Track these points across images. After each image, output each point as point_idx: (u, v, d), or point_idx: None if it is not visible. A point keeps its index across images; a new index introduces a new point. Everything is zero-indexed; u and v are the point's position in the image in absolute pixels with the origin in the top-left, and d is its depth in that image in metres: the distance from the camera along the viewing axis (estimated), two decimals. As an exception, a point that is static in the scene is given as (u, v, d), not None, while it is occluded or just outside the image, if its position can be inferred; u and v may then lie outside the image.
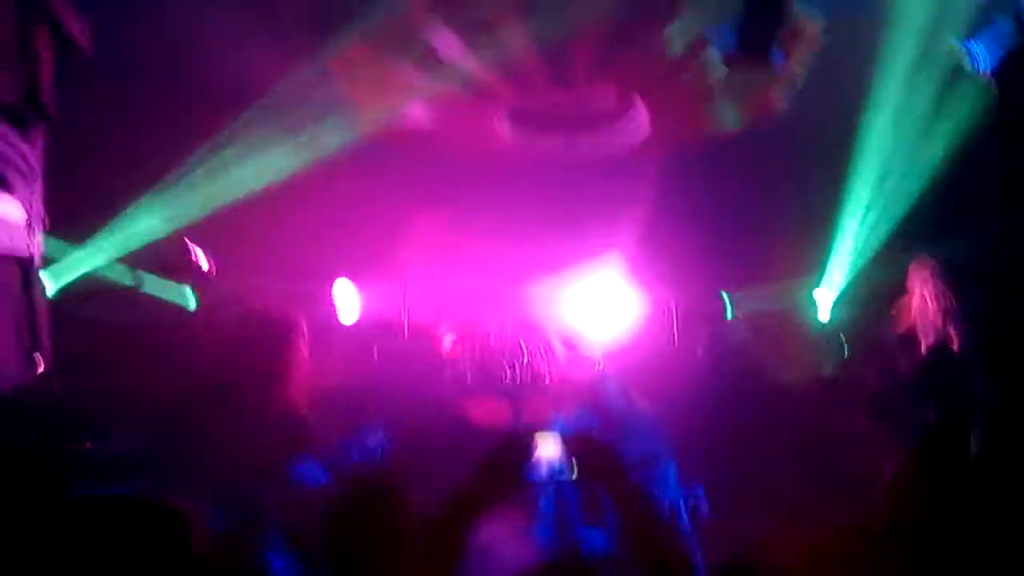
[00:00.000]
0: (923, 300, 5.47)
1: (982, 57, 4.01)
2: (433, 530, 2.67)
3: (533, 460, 2.70)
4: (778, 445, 6.84)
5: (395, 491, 2.96)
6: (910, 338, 5.42)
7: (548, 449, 2.72)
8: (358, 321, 7.94)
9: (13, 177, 3.06)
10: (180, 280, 4.67)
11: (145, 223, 6.78)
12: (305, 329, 4.66)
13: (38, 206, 3.28)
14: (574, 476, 2.67)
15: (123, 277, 6.69)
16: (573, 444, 2.70)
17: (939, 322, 5.29)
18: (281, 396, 4.49)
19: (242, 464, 4.43)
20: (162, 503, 2.70)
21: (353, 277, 7.99)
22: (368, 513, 2.90)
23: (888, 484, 3.43)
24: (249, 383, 4.46)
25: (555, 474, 2.70)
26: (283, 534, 4.60)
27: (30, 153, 3.23)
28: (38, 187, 3.30)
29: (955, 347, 5.05)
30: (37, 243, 3.28)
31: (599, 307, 7.65)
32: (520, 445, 2.71)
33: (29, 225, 3.22)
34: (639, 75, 6.37)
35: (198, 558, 2.61)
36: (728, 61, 3.82)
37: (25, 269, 3.15)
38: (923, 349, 5.19)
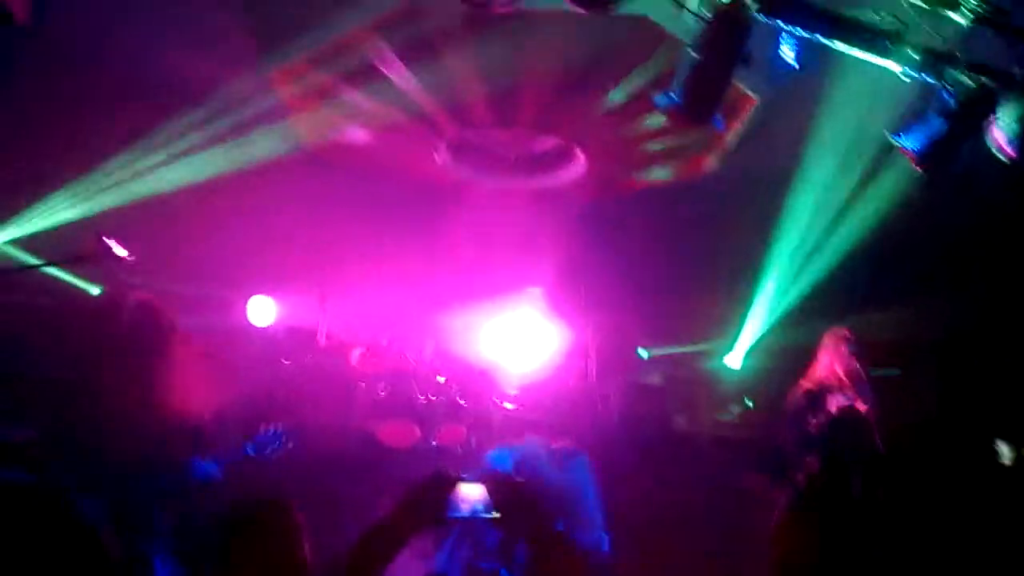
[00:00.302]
0: (834, 363, 5.71)
1: (911, 146, 4.21)
2: (352, 562, 2.62)
3: (455, 497, 2.71)
4: (681, 494, 6.98)
5: (290, 518, 2.90)
6: (817, 397, 5.63)
7: (471, 489, 2.73)
8: (272, 331, 7.79)
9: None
10: (91, 267, 4.51)
11: (58, 210, 6.57)
12: (174, 330, 4.58)
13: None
14: (494, 515, 2.67)
15: (27, 261, 6.45)
16: (495, 486, 2.71)
17: (847, 385, 5.54)
18: (157, 392, 4.39)
19: (128, 457, 4.30)
20: (45, 490, 2.59)
21: (272, 288, 7.86)
22: (263, 542, 2.83)
23: (774, 532, 3.52)
24: (121, 378, 4.36)
25: (475, 512, 2.71)
26: (170, 535, 4.47)
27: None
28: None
29: (861, 408, 5.28)
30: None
31: (517, 340, 7.68)
32: (445, 481, 2.71)
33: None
34: (579, 124, 6.47)
35: (81, 549, 2.49)
36: (670, 118, 3.92)
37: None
38: (831, 408, 5.41)
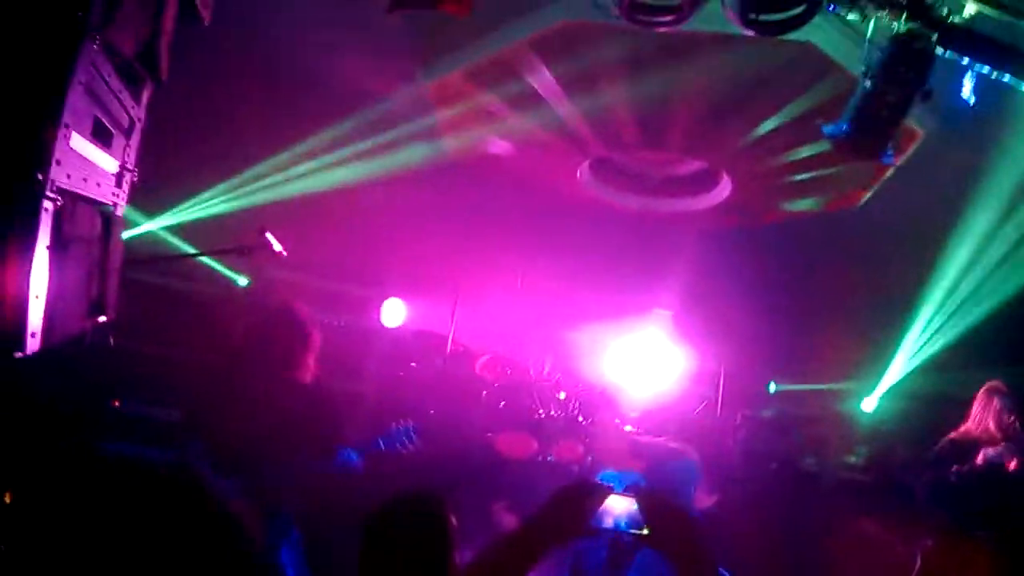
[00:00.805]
0: (986, 416, 5.40)
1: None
2: (489, 569, 2.58)
3: (602, 509, 2.63)
4: (801, 534, 6.72)
5: (440, 515, 2.87)
6: (964, 447, 5.34)
7: (618, 501, 2.64)
8: (403, 333, 7.96)
9: (114, 129, 3.08)
10: (249, 258, 4.73)
11: (218, 202, 6.90)
12: (315, 331, 4.70)
13: (132, 161, 3.30)
14: (643, 532, 2.57)
15: (182, 249, 6.79)
16: (647, 501, 2.61)
17: (999, 439, 5.22)
18: (296, 385, 4.51)
19: (265, 445, 4.43)
20: (181, 471, 2.68)
21: (406, 291, 8.03)
22: (408, 537, 2.81)
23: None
24: (263, 370, 4.50)
25: (620, 527, 2.62)
26: (296, 523, 4.59)
27: (135, 110, 3.26)
28: (135, 143, 3.33)
29: (1009, 466, 4.97)
30: (123, 197, 3.29)
31: (642, 363, 7.58)
32: (594, 490, 2.64)
33: (119, 178, 3.23)
34: (728, 149, 6.33)
35: (213, 531, 2.57)
36: (838, 149, 3.77)
37: (107, 220, 3.16)
38: (978, 460, 5.11)
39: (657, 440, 6.20)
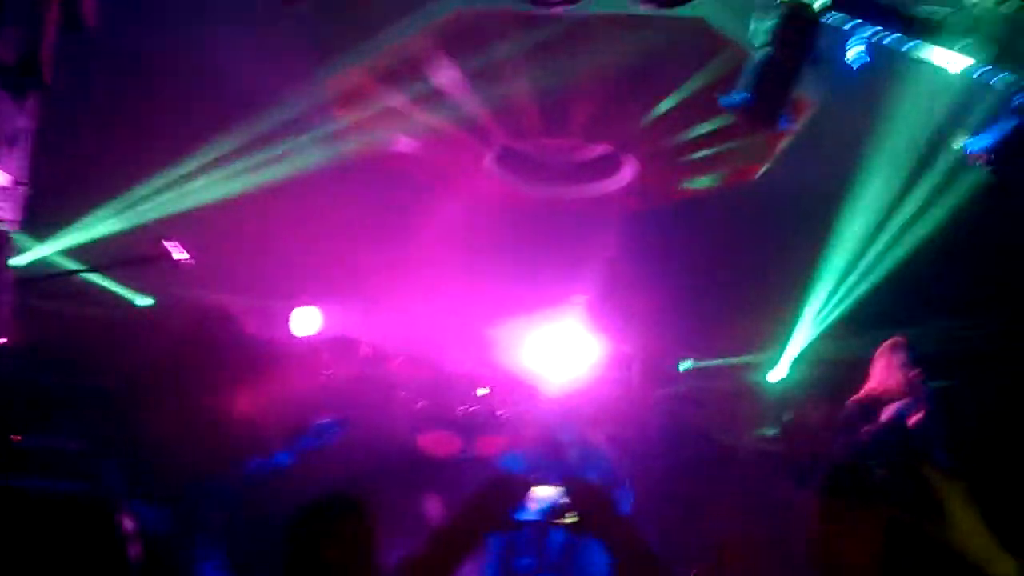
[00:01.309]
0: (889, 373, 5.58)
1: (980, 147, 4.14)
2: (418, 566, 2.54)
3: (526, 500, 2.62)
4: (720, 506, 6.86)
5: (366, 517, 2.82)
6: (871, 406, 5.51)
7: (543, 491, 2.64)
8: (316, 341, 7.79)
9: (0, 142, 2.93)
10: (146, 277, 4.53)
11: (113, 219, 6.60)
12: (241, 333, 4.60)
13: (22, 172, 3.13)
14: (568, 520, 2.57)
15: (77, 269, 6.47)
16: (572, 488, 2.61)
17: (902, 395, 5.40)
18: (219, 396, 4.40)
19: (183, 462, 4.31)
20: (94, 502, 2.58)
21: (316, 297, 7.87)
22: (339, 540, 2.75)
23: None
24: (184, 381, 4.37)
25: (546, 515, 2.61)
26: (221, 539, 4.45)
27: (20, 118, 3.09)
28: (24, 155, 3.16)
29: (913, 419, 5.16)
30: (14, 212, 3.12)
31: (559, 351, 7.62)
32: (516, 483, 2.62)
33: (9, 192, 3.06)
34: (629, 131, 6.42)
35: (126, 561, 2.47)
36: (737, 118, 3.88)
37: (-4, 237, 3.00)
38: (883, 417, 5.29)
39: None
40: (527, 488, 2.67)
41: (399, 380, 7.54)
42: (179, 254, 4.22)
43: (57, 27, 3.21)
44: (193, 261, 4.31)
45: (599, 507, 2.59)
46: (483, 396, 7.53)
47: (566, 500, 2.64)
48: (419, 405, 7.42)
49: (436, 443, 7.18)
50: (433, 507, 6.54)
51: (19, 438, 5.71)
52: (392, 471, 6.98)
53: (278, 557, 2.84)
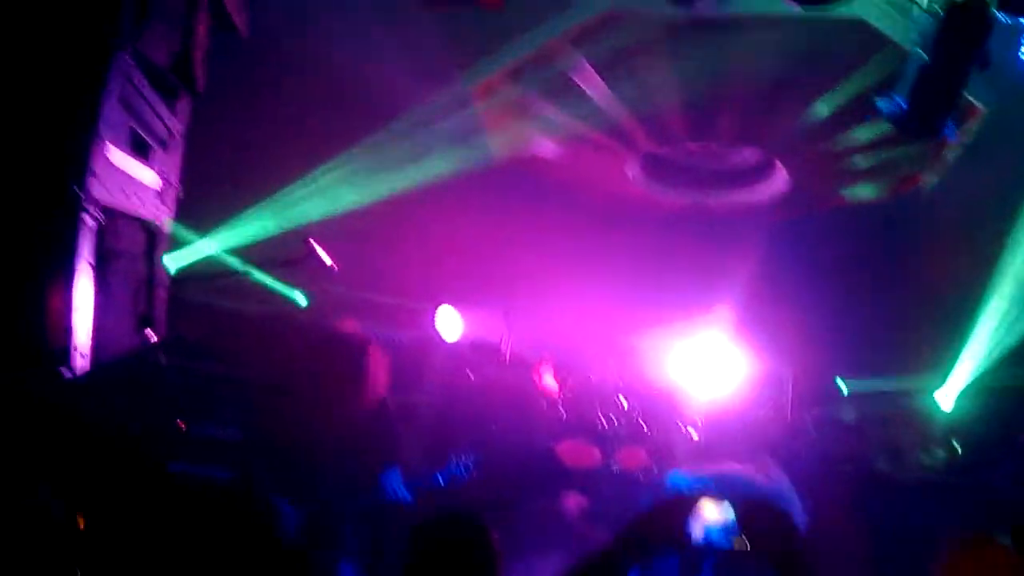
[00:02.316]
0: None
1: None
2: None
3: (694, 522, 2.49)
4: (880, 543, 6.44)
5: (488, 541, 2.78)
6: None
7: (711, 512, 2.49)
8: (458, 344, 7.89)
9: (152, 142, 3.08)
10: (298, 274, 4.71)
11: (266, 219, 6.92)
12: (378, 350, 4.68)
13: (174, 175, 3.30)
14: (740, 544, 2.42)
15: (237, 267, 6.81)
16: (743, 510, 2.46)
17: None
18: (360, 404, 4.49)
19: (326, 465, 4.41)
20: (250, 493, 2.67)
21: (458, 301, 7.98)
22: (454, 555, 2.73)
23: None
24: (325, 389, 4.49)
25: (715, 539, 2.47)
26: (359, 545, 4.55)
27: (173, 122, 3.26)
28: (176, 157, 3.33)
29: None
30: (167, 212, 3.29)
31: (704, 365, 7.39)
32: (683, 504, 2.51)
33: (162, 193, 3.23)
34: (781, 136, 6.13)
35: (276, 552, 2.54)
36: (895, 126, 3.60)
37: (151, 235, 3.16)
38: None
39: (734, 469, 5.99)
40: (692, 507, 2.54)
41: (540, 388, 7.52)
42: (325, 257, 4.36)
43: (208, 30, 3.35)
44: (336, 268, 4.43)
45: (771, 530, 2.42)
46: (625, 408, 7.40)
47: (732, 521, 2.49)
48: (560, 414, 7.38)
49: (576, 454, 7.11)
50: (572, 518, 6.48)
51: (184, 425, 6.10)
52: (531, 480, 6.99)
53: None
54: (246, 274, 6.43)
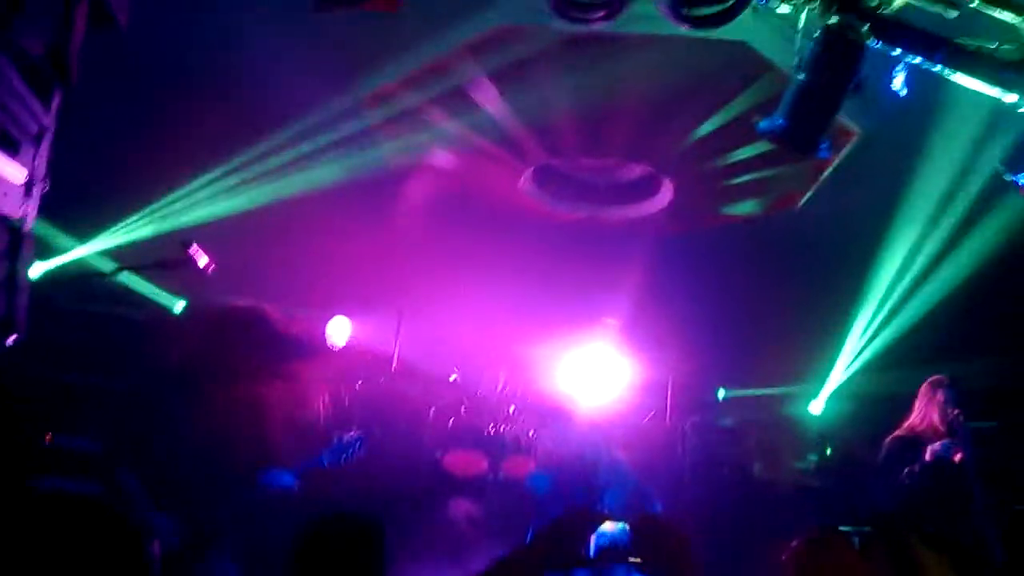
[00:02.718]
0: (929, 411, 5.44)
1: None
2: None
3: (591, 537, 2.52)
4: (758, 543, 6.67)
5: (374, 535, 2.76)
6: (910, 445, 5.36)
7: (609, 527, 2.53)
8: (348, 351, 7.78)
9: (20, 137, 2.91)
10: (173, 274, 4.52)
11: (148, 223, 6.67)
12: (274, 331, 4.58)
13: (41, 170, 3.10)
14: (635, 559, 2.46)
15: (110, 270, 6.54)
16: (639, 525, 2.50)
17: (943, 432, 5.25)
18: (245, 398, 4.38)
19: (202, 470, 4.28)
20: (117, 507, 2.56)
21: (349, 309, 7.88)
22: (342, 555, 2.69)
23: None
24: (212, 380, 4.37)
25: (612, 554, 2.51)
26: (240, 549, 4.41)
27: (43, 114, 3.07)
28: (44, 152, 3.13)
29: (955, 459, 4.99)
30: (32, 208, 3.09)
31: (591, 374, 7.53)
32: (588, 517, 2.53)
33: (28, 188, 3.04)
34: (668, 153, 6.33)
35: (145, 568, 2.44)
36: (775, 143, 3.77)
37: (13, 233, 2.96)
38: (926, 457, 5.14)
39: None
40: (598, 523, 2.57)
41: (429, 397, 7.49)
42: (202, 260, 4.21)
43: (86, 23, 3.18)
44: (214, 266, 4.29)
45: (666, 546, 2.47)
46: (513, 417, 7.45)
47: (630, 537, 2.53)
48: (448, 423, 7.37)
49: (463, 462, 7.11)
50: (460, 525, 6.47)
51: (50, 438, 5.78)
52: (419, 488, 6.94)
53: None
54: (118, 278, 6.16)
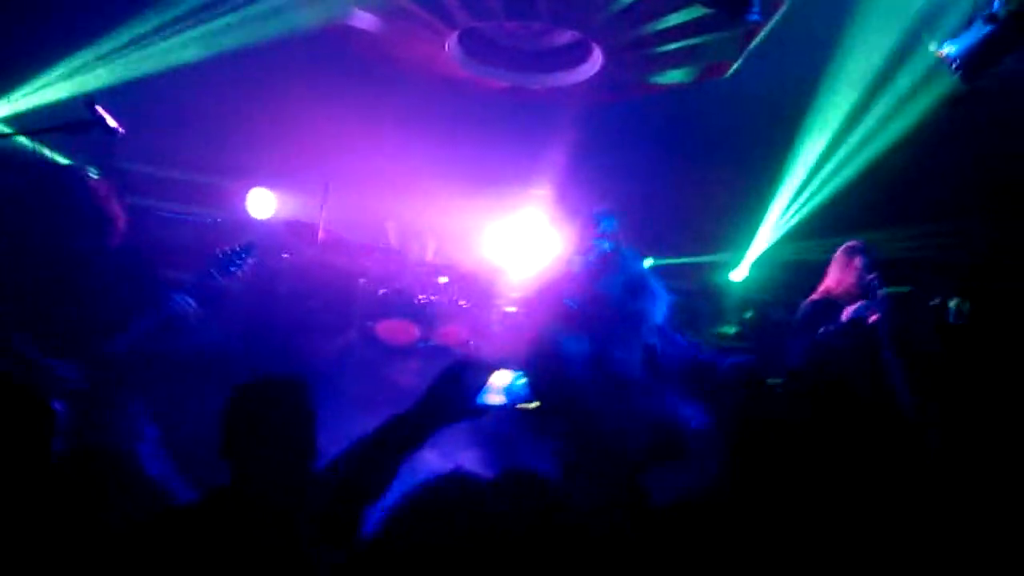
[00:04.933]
0: (845, 275, 5.63)
1: (951, 52, 4.03)
2: (368, 451, 2.51)
3: (487, 386, 2.57)
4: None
5: (305, 398, 2.79)
6: (826, 307, 5.57)
7: (505, 377, 2.60)
8: (272, 224, 7.64)
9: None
10: (78, 136, 4.27)
11: (50, 87, 6.29)
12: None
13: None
14: (531, 405, 2.55)
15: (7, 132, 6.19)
16: (537, 375, 2.58)
17: (858, 297, 5.46)
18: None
19: (91, 315, 4.23)
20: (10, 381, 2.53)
21: (272, 179, 7.70)
22: (275, 419, 2.72)
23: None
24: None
25: (511, 400, 2.58)
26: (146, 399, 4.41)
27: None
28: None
29: (871, 320, 5.22)
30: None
31: (521, 244, 7.57)
32: (478, 369, 2.58)
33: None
34: (598, 18, 6.16)
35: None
36: (708, 6, 3.69)
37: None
38: (842, 317, 5.36)
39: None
40: (489, 374, 2.63)
41: (359, 268, 7.46)
42: (111, 121, 4.00)
43: None
44: (123, 131, 4.08)
45: (560, 395, 2.56)
46: (444, 286, 7.49)
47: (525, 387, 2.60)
48: (379, 292, 7.38)
49: (394, 331, 7.18)
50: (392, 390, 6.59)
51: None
52: (350, 360, 7.01)
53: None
54: (18, 141, 5.84)
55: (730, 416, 2.86)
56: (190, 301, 4.33)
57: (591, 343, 4.65)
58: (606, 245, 5.35)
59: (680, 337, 5.78)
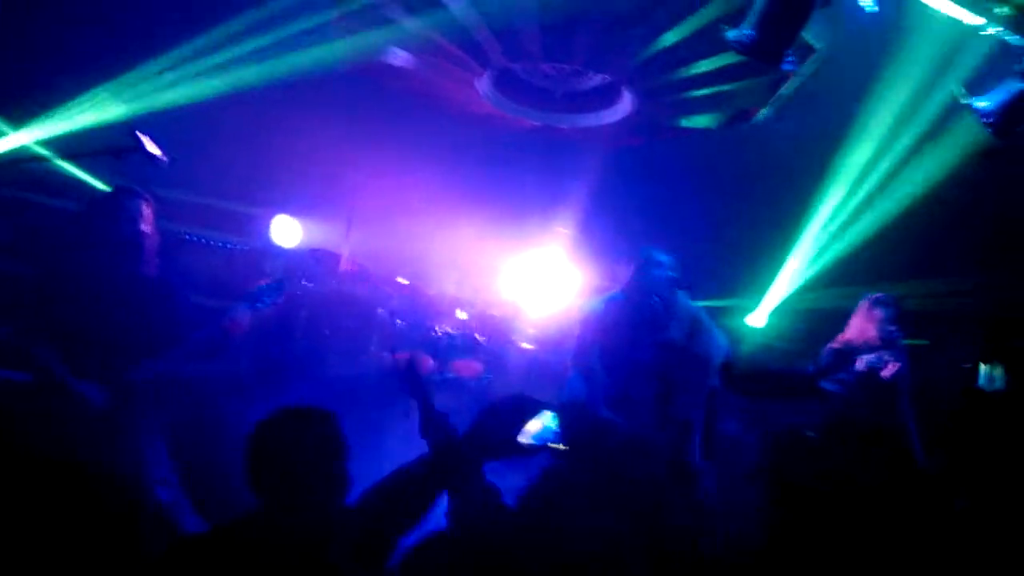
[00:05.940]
0: (869, 325, 5.62)
1: (982, 107, 4.06)
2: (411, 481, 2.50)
3: (524, 426, 2.58)
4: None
5: (335, 429, 2.78)
6: (845, 355, 5.55)
7: (540, 417, 2.60)
8: (296, 252, 7.71)
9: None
10: (121, 162, 4.35)
11: (89, 112, 6.41)
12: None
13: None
14: (560, 447, 2.55)
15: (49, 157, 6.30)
16: (571, 416, 2.59)
17: (878, 348, 5.45)
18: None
19: (121, 340, 4.29)
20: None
21: (299, 208, 7.77)
22: (303, 452, 2.70)
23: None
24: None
25: (540, 441, 2.58)
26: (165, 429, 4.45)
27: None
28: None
29: (887, 371, 5.20)
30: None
31: (541, 281, 7.59)
32: (525, 405, 2.58)
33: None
34: (630, 63, 6.24)
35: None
36: (741, 54, 3.75)
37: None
38: (858, 366, 5.34)
39: None
40: (535, 412, 2.63)
41: (379, 299, 7.49)
42: (153, 148, 4.07)
43: None
44: (166, 158, 4.16)
45: (589, 437, 2.57)
46: (462, 321, 7.51)
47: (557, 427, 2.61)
48: (397, 324, 7.40)
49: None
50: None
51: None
52: (366, 389, 7.01)
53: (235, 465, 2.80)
54: (47, 160, 5.94)
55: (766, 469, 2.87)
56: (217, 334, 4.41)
57: (657, 386, 4.66)
58: (668, 287, 5.27)
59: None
